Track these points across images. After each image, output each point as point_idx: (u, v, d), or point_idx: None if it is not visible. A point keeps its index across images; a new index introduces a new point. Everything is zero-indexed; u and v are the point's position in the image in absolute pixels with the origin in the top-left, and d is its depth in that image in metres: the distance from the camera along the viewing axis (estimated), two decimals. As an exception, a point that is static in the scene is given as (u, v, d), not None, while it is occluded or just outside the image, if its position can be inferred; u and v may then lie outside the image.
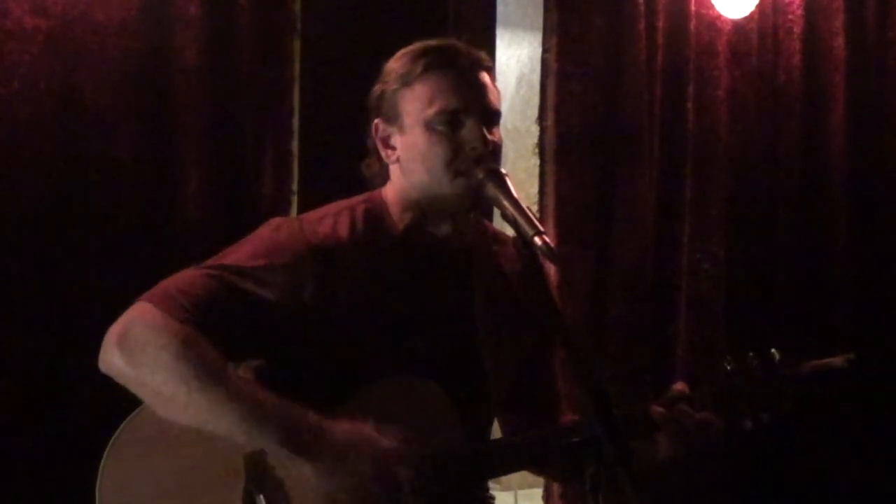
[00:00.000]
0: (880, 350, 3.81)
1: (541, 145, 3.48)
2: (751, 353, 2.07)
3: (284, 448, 1.84)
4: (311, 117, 3.09)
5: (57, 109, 2.77)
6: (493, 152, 1.97)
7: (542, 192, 3.47)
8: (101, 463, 1.91)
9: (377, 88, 2.05)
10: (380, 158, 2.06)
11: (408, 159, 2.01)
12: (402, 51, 2.05)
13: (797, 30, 3.84)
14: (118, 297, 1.97)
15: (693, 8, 3.66)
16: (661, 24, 3.60)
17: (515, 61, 4.11)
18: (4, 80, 2.71)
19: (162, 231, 2.88)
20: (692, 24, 3.66)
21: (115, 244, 2.82)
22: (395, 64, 2.03)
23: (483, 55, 2.05)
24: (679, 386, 2.06)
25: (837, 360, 2.08)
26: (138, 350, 1.86)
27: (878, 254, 3.95)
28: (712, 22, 3.70)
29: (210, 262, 1.98)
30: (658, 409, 2.00)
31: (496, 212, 1.92)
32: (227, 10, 2.96)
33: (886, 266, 3.94)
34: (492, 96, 2.01)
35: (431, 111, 1.96)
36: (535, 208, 3.43)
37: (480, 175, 1.91)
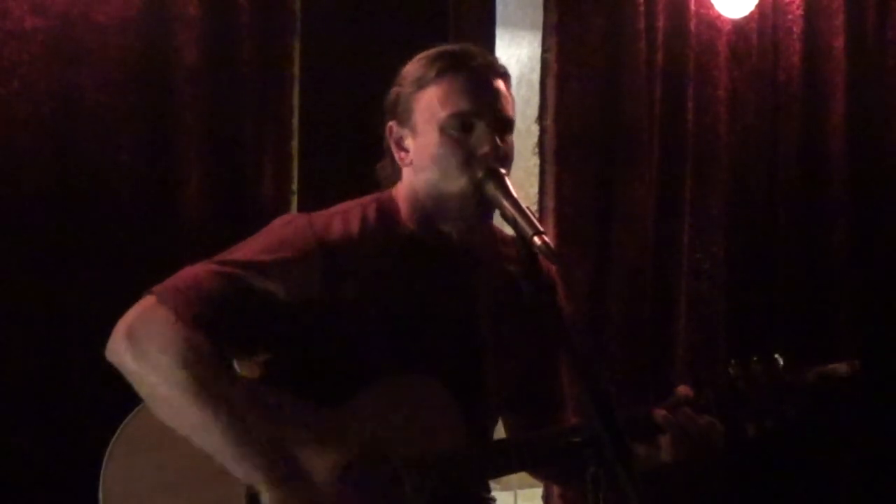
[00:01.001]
0: (880, 350, 3.80)
1: (541, 145, 3.48)
2: (754, 359, 2.07)
3: (265, 481, 1.84)
4: (310, 117, 3.09)
5: (57, 109, 2.77)
6: (504, 158, 1.97)
7: (541, 192, 3.47)
8: (105, 457, 1.91)
9: (393, 91, 2.06)
10: (393, 160, 2.07)
11: (420, 161, 2.01)
12: (419, 55, 2.06)
13: (797, 29, 3.84)
14: (118, 296, 1.97)
15: (693, 7, 3.65)
16: (660, 23, 3.60)
17: (515, 61, 4.11)
18: (4, 80, 2.71)
19: (162, 231, 2.87)
20: (692, 24, 3.66)
21: (115, 244, 2.82)
22: (411, 67, 2.05)
23: (499, 62, 2.06)
24: (682, 389, 2.06)
25: (842, 367, 2.07)
26: (145, 348, 1.86)
27: (878, 254, 3.95)
28: (712, 22, 3.70)
29: (221, 256, 1.98)
30: (661, 413, 2.00)
31: (496, 212, 1.92)
32: (227, 10, 2.96)
33: (886, 266, 3.94)
34: (505, 103, 2.02)
35: (444, 114, 1.97)
36: (534, 208, 3.43)
37: (480, 174, 1.92)
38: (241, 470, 1.85)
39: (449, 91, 1.98)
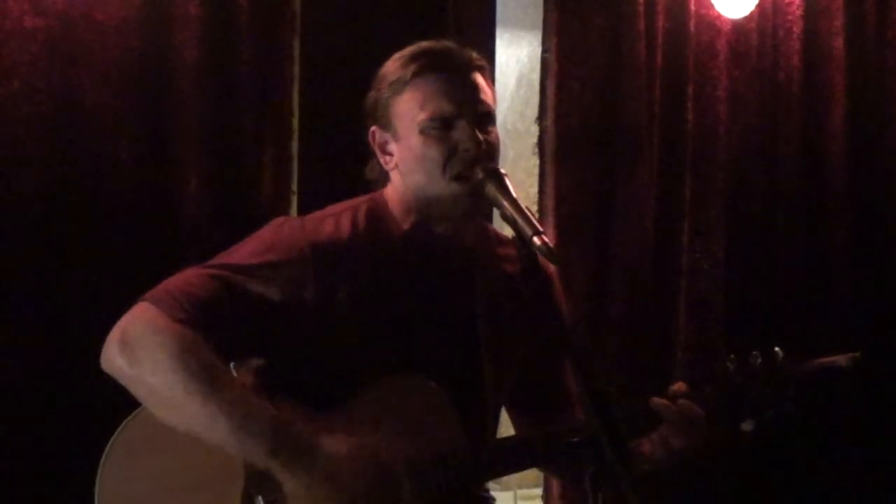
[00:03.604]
0: (880, 350, 3.81)
1: (540, 145, 3.48)
2: (754, 352, 2.07)
3: (274, 462, 1.83)
4: (310, 117, 3.09)
5: (56, 109, 2.77)
6: (488, 152, 1.96)
7: (541, 192, 3.47)
8: (101, 462, 1.91)
9: (371, 96, 2.05)
10: (380, 163, 2.07)
11: (405, 164, 2.01)
12: (394, 56, 2.05)
13: (797, 30, 3.84)
14: (118, 296, 1.97)
15: (693, 8, 3.66)
16: (660, 23, 3.60)
17: (515, 61, 4.11)
18: (4, 80, 2.72)
19: (161, 231, 2.88)
20: (692, 24, 3.66)
21: (115, 244, 2.82)
22: (387, 70, 2.03)
23: (475, 55, 2.05)
24: (677, 386, 2.06)
25: (841, 359, 2.08)
26: (139, 350, 1.87)
27: (878, 254, 3.95)
28: (712, 22, 3.70)
29: (213, 261, 1.98)
30: (660, 401, 2.00)
31: (496, 211, 1.92)
32: (227, 10, 2.96)
33: (886, 266, 3.94)
34: (483, 96, 2.01)
35: (423, 116, 1.96)
36: (534, 208, 3.44)
37: (480, 175, 1.91)
38: (249, 455, 1.84)
39: (426, 93, 1.97)
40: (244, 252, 1.98)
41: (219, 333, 1.89)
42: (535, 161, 3.49)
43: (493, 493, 2.21)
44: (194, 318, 1.87)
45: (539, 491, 3.51)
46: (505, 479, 2.14)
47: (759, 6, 3.72)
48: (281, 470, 1.84)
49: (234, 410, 1.83)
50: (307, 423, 1.89)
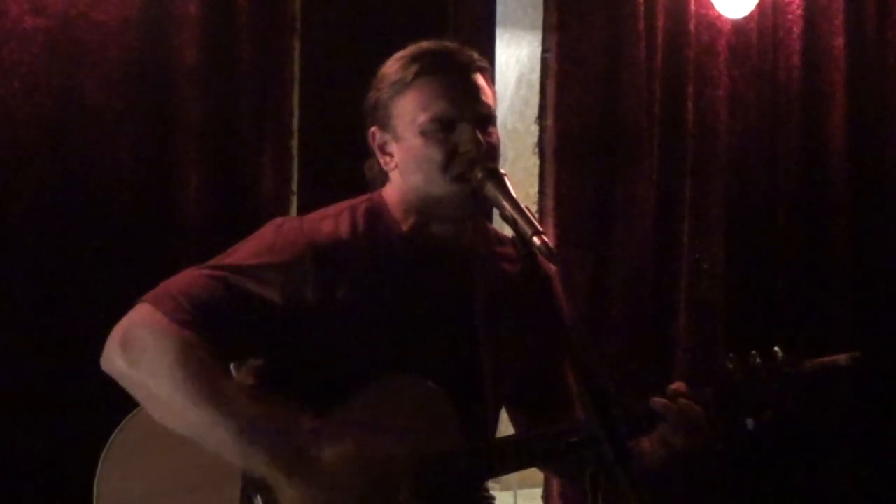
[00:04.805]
0: (880, 350, 3.81)
1: (540, 145, 3.48)
2: (754, 352, 2.07)
3: (272, 470, 1.83)
4: (310, 117, 3.09)
5: (57, 109, 2.77)
6: (489, 153, 1.96)
7: (541, 192, 3.47)
8: (99, 462, 1.91)
9: (371, 96, 2.04)
10: (379, 164, 2.07)
11: (405, 165, 2.01)
12: (395, 56, 2.04)
13: (797, 29, 3.84)
14: (118, 296, 1.97)
15: (693, 8, 3.66)
16: (660, 23, 3.61)
17: (515, 61, 4.12)
18: (4, 80, 2.72)
19: (162, 231, 2.88)
20: (692, 24, 3.66)
21: (115, 244, 2.82)
22: (388, 70, 2.03)
23: (476, 56, 2.05)
24: (677, 385, 2.06)
25: (842, 359, 2.08)
26: (139, 353, 1.86)
27: (878, 254, 3.95)
28: (712, 22, 3.70)
29: (212, 261, 1.98)
30: (660, 400, 2.00)
31: (496, 212, 1.92)
32: (227, 10, 2.96)
33: (886, 266, 3.95)
34: (484, 98, 2.00)
35: (424, 118, 1.96)
36: (534, 208, 3.44)
37: (480, 175, 1.91)
38: (249, 463, 1.83)
39: (427, 95, 1.97)
40: (243, 252, 1.98)
41: (219, 334, 1.89)
42: (535, 161, 3.49)
43: (493, 493, 2.21)
44: (194, 318, 1.87)
45: (539, 491, 3.50)
46: (505, 478, 2.13)
47: (759, 6, 3.72)
48: (279, 478, 1.83)
49: (233, 418, 1.81)
50: (305, 424, 1.88)
